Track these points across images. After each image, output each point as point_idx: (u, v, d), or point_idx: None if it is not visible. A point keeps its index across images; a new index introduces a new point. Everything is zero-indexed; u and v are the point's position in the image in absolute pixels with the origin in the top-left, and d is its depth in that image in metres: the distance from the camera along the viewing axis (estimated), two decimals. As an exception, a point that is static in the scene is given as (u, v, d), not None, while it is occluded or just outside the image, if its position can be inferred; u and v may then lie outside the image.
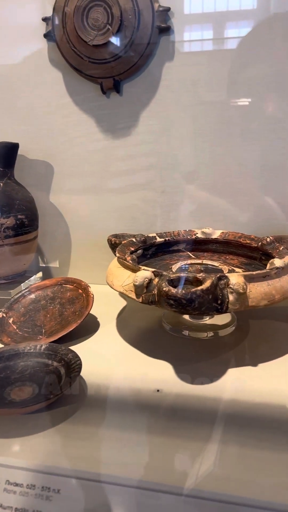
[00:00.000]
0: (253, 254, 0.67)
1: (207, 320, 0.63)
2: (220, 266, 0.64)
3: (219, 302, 0.48)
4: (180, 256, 0.70)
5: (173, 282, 0.48)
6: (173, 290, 0.46)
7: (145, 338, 0.60)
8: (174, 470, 0.37)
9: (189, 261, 0.66)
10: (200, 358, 0.54)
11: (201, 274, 0.49)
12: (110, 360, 0.54)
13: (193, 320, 0.63)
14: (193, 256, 0.70)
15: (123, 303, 0.71)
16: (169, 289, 0.46)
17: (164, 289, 0.46)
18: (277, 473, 0.36)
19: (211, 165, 0.71)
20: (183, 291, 0.45)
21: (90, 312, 0.61)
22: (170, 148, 0.72)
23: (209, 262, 0.66)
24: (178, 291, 0.45)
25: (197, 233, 0.71)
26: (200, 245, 0.72)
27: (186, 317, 0.64)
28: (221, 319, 0.63)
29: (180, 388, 0.48)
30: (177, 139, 0.72)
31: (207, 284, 0.46)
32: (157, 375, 0.51)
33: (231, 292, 0.48)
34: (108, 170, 0.76)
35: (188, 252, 0.72)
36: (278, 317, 0.65)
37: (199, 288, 0.45)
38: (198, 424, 0.42)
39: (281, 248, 0.60)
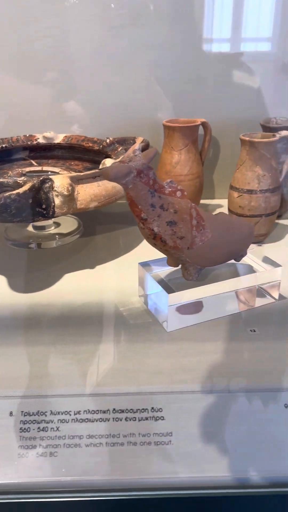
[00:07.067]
0: (98, 158, 0.65)
1: (52, 230, 0.61)
2: (61, 172, 0.60)
3: (43, 206, 0.45)
4: (21, 165, 0.65)
5: (-9, 189, 0.44)
6: (-15, 196, 0.42)
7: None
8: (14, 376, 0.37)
9: (27, 169, 0.61)
10: (37, 268, 0.53)
11: (22, 178, 0.45)
12: None
13: (36, 231, 0.60)
14: (35, 164, 0.65)
15: None
16: (-20, 196, 0.42)
17: (-24, 196, 0.42)
18: (104, 363, 0.38)
19: (53, 54, 0.64)
20: (-4, 197, 0.41)
21: None
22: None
23: (50, 169, 0.62)
24: (-9, 197, 0.42)
25: (38, 138, 0.66)
26: (45, 152, 0.67)
27: (30, 229, 0.61)
28: (66, 227, 0.61)
29: (12, 298, 0.47)
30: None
31: (24, 187, 0.43)
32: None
33: (57, 195, 0.46)
34: None
35: (31, 160, 0.66)
36: (125, 221, 0.66)
37: (14, 192, 0.42)
38: (28, 329, 0.42)
39: (119, 149, 0.59)
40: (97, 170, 0.50)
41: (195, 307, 0.42)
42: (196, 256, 0.39)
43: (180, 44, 0.64)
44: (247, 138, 0.52)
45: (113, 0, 0.61)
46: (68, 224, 0.62)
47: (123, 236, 0.61)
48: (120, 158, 0.49)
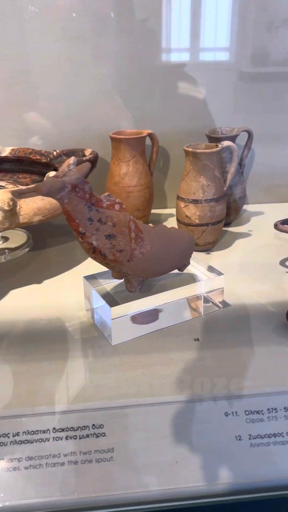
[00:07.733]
0: (47, 170, 0.64)
1: (0, 244, 0.59)
2: (6, 186, 0.59)
3: (-17, 222, 0.45)
4: None
5: None
6: None
7: None
8: None
9: (-28, 183, 0.60)
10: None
11: None
12: None
13: (-17, 246, 0.59)
14: (-19, 178, 0.63)
15: None
16: None
17: None
18: (51, 380, 0.37)
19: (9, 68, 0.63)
20: None
21: None
22: None
23: (-4, 183, 0.61)
24: None
25: (-16, 152, 0.64)
26: (-7, 165, 0.66)
27: (-23, 244, 0.59)
28: (14, 241, 0.60)
29: None
30: None
31: None
32: None
33: (-2, 211, 0.45)
34: None
35: (-22, 174, 0.65)
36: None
37: None
38: None
39: (66, 162, 0.58)
40: (40, 184, 0.49)
41: (151, 316, 0.42)
42: (136, 268, 0.39)
43: (128, 55, 0.64)
44: (190, 149, 0.53)
45: (65, 13, 0.61)
46: (17, 238, 0.61)
47: (73, 248, 0.60)
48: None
